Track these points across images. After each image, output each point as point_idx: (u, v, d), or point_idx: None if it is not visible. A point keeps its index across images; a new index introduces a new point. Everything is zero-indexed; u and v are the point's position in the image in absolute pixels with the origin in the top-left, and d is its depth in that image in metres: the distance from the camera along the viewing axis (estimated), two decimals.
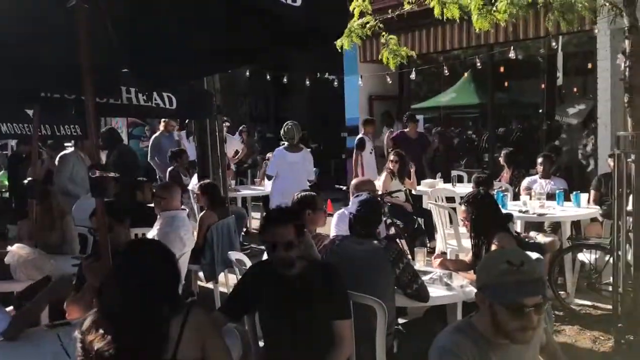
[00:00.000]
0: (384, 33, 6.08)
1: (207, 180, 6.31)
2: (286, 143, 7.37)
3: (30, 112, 5.68)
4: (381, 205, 4.46)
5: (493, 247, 3.73)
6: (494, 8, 5.01)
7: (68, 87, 4.21)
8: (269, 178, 7.47)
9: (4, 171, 9.61)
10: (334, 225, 4.92)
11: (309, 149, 7.73)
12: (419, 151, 9.13)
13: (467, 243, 4.48)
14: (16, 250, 3.95)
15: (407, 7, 6.38)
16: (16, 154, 9.71)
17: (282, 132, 7.41)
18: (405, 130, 9.25)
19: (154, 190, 5.58)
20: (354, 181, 5.49)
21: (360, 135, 9.75)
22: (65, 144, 8.04)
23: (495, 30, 8.39)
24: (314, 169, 7.75)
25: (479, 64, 8.81)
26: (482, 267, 2.14)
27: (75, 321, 3.05)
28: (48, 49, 3.44)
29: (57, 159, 7.29)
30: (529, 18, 7.65)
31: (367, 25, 5.94)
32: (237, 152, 10.56)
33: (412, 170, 7.69)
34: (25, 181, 4.94)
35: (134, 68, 3.95)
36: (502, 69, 10.20)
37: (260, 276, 2.93)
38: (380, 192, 7.33)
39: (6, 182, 9.02)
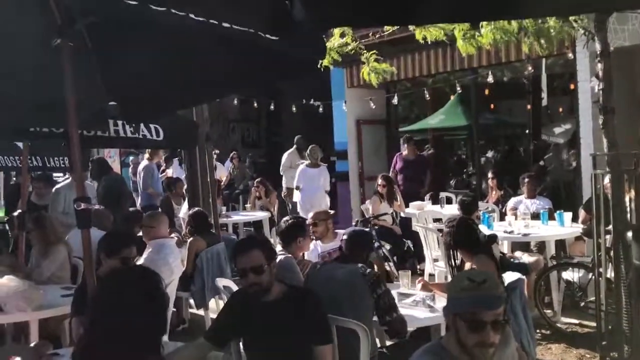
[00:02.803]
0: (364, 52, 6.20)
1: (195, 208, 6.37)
2: (308, 160, 9.09)
3: (20, 144, 5.77)
4: (371, 234, 4.54)
5: (471, 269, 3.80)
6: (477, 33, 5.17)
7: (56, 121, 4.30)
8: (297, 188, 9.16)
9: None
10: None
11: (325, 165, 9.38)
12: (419, 173, 9.23)
13: None
14: (6, 282, 3.99)
15: (388, 30, 6.55)
16: (13, 186, 9.76)
17: (307, 152, 9.20)
18: (403, 152, 9.33)
19: (144, 219, 5.63)
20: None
21: None
22: (55, 176, 8.09)
23: (479, 53, 8.56)
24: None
25: (458, 88, 8.97)
26: (448, 285, 2.29)
27: (65, 351, 3.11)
28: (35, 84, 3.54)
29: (52, 193, 7.29)
30: (511, 41, 7.83)
31: (349, 47, 6.07)
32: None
33: (399, 193, 7.80)
34: (15, 213, 4.99)
35: (120, 101, 4.05)
36: (487, 91, 10.36)
37: (241, 303, 2.98)
38: (368, 216, 7.46)
39: (1, 214, 9.05)
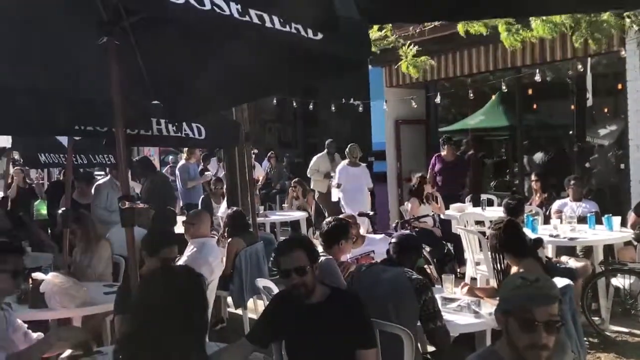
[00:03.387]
0: (403, 46, 6.09)
1: (234, 208, 6.38)
2: (348, 159, 9.25)
3: (65, 142, 5.86)
4: (420, 240, 4.45)
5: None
6: (520, 27, 5.01)
7: (100, 119, 4.35)
8: (338, 186, 9.26)
9: (40, 200, 9.85)
10: None
11: (365, 164, 9.63)
12: (458, 175, 9.07)
13: None
14: (51, 279, 4.05)
15: (428, 25, 6.43)
16: (56, 183, 9.97)
17: (347, 151, 9.33)
18: (442, 153, 9.19)
19: (186, 217, 5.66)
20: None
21: None
22: (96, 173, 8.22)
23: (523, 52, 8.37)
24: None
25: (504, 88, 8.76)
26: (501, 287, 2.24)
27: (107, 349, 3.12)
28: (80, 83, 3.58)
29: (93, 190, 7.43)
30: (556, 40, 7.63)
31: (387, 40, 5.98)
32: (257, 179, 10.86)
33: (438, 194, 7.68)
34: (59, 211, 5.06)
35: (164, 100, 4.07)
36: (530, 91, 10.12)
37: (284, 304, 2.95)
38: (408, 217, 7.36)
39: (43, 212, 9.25)
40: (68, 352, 2.98)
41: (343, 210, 8.84)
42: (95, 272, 5.03)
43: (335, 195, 9.52)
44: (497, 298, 3.71)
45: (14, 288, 3.17)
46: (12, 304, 3.50)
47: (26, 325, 3.25)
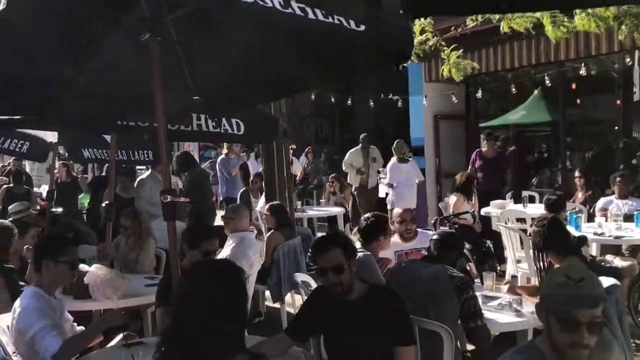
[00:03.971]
0: (445, 49, 6.03)
1: (275, 202, 6.41)
2: (396, 156, 9.33)
3: (108, 138, 5.99)
4: (462, 238, 4.37)
5: None
6: (564, 18, 4.88)
7: (142, 115, 4.41)
8: (390, 186, 9.37)
9: (84, 194, 10.10)
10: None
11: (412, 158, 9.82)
12: (499, 171, 8.91)
13: None
14: (94, 270, 4.14)
15: (470, 25, 6.33)
16: (99, 177, 10.22)
17: (393, 147, 9.42)
18: (482, 149, 9.04)
19: (226, 212, 5.73)
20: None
21: None
22: (138, 168, 8.38)
23: (566, 46, 8.16)
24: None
25: (547, 82, 8.55)
26: (544, 282, 2.19)
27: (149, 340, 3.18)
28: (122, 78, 3.63)
29: (136, 184, 7.57)
30: (602, 33, 7.42)
31: (429, 43, 5.92)
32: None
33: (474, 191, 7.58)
34: (103, 204, 5.17)
35: (204, 96, 4.11)
36: (574, 86, 9.88)
37: (322, 300, 2.94)
38: (447, 213, 7.27)
39: (86, 204, 9.49)
40: (119, 338, 3.07)
41: (390, 207, 8.95)
42: (143, 268, 5.15)
43: (383, 191, 9.64)
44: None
45: (71, 278, 3.30)
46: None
47: (72, 318, 3.34)
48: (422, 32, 5.95)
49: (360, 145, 10.35)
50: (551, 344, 2.00)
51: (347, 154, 10.38)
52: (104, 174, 10.13)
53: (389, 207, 9.11)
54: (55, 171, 8.92)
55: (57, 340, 2.86)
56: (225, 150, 10.18)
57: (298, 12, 2.10)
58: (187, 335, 2.01)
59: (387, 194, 9.68)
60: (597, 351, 2.03)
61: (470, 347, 3.79)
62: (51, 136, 7.14)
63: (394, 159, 9.46)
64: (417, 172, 9.56)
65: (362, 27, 2.35)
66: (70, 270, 3.21)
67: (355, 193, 10.22)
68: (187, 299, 2.09)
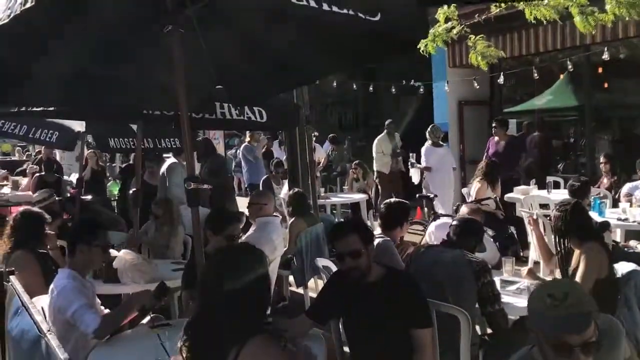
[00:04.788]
0: (471, 36, 6.00)
1: (296, 189, 6.49)
2: (431, 141, 9.10)
3: (134, 127, 6.13)
4: (482, 225, 4.37)
5: (581, 258, 3.60)
6: (595, 9, 4.80)
7: (166, 104, 4.52)
8: (427, 169, 9.17)
9: (112, 182, 10.32)
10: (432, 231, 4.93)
11: (446, 143, 9.67)
12: (509, 157, 8.82)
13: None
14: (123, 255, 4.28)
15: (494, 11, 6.28)
16: (128, 166, 10.44)
17: (428, 131, 9.16)
18: (495, 137, 8.98)
19: (250, 197, 5.83)
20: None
21: None
22: (165, 156, 8.53)
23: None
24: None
25: (570, 67, 8.41)
26: (528, 300, 2.06)
27: (174, 321, 3.29)
28: (147, 69, 3.73)
29: (165, 170, 7.66)
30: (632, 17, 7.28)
31: (454, 31, 5.90)
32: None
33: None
34: (130, 191, 5.31)
35: (227, 84, 4.19)
36: (601, 70, 9.71)
37: (341, 283, 3.01)
38: (470, 200, 7.26)
39: (115, 192, 9.71)
40: (147, 319, 3.20)
41: (426, 192, 9.00)
42: (174, 253, 5.29)
43: (416, 177, 9.54)
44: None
45: (103, 261, 3.49)
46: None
47: (100, 301, 3.48)
48: (447, 20, 5.93)
49: (385, 131, 10.36)
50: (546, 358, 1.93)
51: (375, 142, 10.36)
52: (131, 162, 10.35)
53: (424, 192, 9.08)
54: (90, 160, 9.16)
55: (97, 317, 3.03)
56: (247, 138, 10.39)
57: (313, 3, 2.15)
58: (210, 320, 2.08)
59: (422, 179, 9.56)
60: (602, 350, 1.94)
61: (488, 331, 3.84)
62: (79, 125, 7.32)
63: (428, 143, 9.25)
64: (451, 158, 9.46)
65: (378, 17, 2.40)
66: (103, 254, 3.39)
67: (379, 179, 10.23)
68: (210, 284, 2.15)
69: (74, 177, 10.09)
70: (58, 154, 12.25)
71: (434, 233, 4.85)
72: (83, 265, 3.31)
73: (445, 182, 9.03)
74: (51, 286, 3.19)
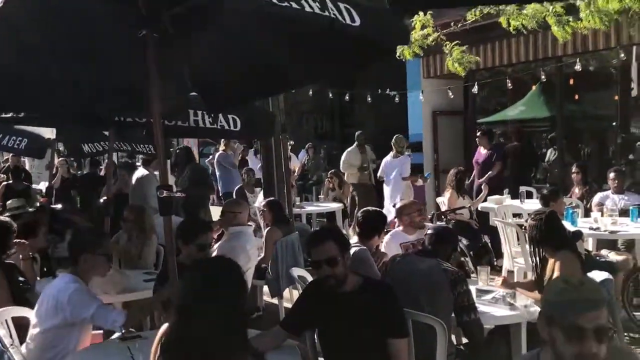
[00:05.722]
0: (447, 43, 6.06)
1: (271, 198, 6.44)
2: (395, 151, 9.36)
3: (107, 133, 6.01)
4: (456, 233, 4.37)
5: (555, 267, 3.63)
6: (571, 18, 4.90)
7: (139, 111, 4.44)
8: (380, 179, 9.62)
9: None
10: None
11: (408, 154, 9.70)
12: (488, 166, 8.91)
13: None
14: None
15: (470, 18, 6.36)
16: (89, 175, 10.26)
17: (392, 141, 9.39)
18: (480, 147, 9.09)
19: (224, 206, 5.74)
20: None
21: None
22: (138, 164, 8.41)
23: (564, 41, 8.17)
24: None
25: (543, 77, 8.57)
26: (543, 293, 2.08)
27: (145, 334, 3.21)
28: (119, 74, 3.66)
29: (136, 182, 7.48)
30: (606, 29, 7.42)
31: (430, 38, 5.95)
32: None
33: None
34: (101, 200, 5.20)
35: (201, 92, 4.13)
36: (572, 81, 9.88)
37: (317, 293, 2.98)
38: (444, 209, 7.31)
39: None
40: (118, 334, 3.16)
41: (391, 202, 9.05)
42: (146, 263, 5.17)
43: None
44: (535, 292, 3.70)
45: (107, 269, 3.50)
46: None
47: None
48: (423, 27, 5.98)
49: (356, 143, 10.22)
50: (556, 356, 1.88)
51: (344, 154, 10.23)
52: (101, 171, 10.17)
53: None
54: (60, 168, 8.98)
55: (121, 313, 3.20)
56: (222, 147, 10.33)
57: (295, 5, 2.12)
58: (190, 339, 1.97)
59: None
60: None
61: (464, 340, 3.83)
62: (49, 132, 7.17)
63: (391, 154, 9.47)
64: (402, 167, 9.42)
65: (358, 22, 2.38)
66: (107, 262, 3.45)
67: (355, 190, 10.18)
68: (187, 303, 2.04)
69: (43, 186, 9.88)
70: (27, 162, 12.00)
71: (388, 243, 4.81)
72: (86, 274, 3.33)
73: (395, 192, 9.25)
74: (47, 291, 3.21)
